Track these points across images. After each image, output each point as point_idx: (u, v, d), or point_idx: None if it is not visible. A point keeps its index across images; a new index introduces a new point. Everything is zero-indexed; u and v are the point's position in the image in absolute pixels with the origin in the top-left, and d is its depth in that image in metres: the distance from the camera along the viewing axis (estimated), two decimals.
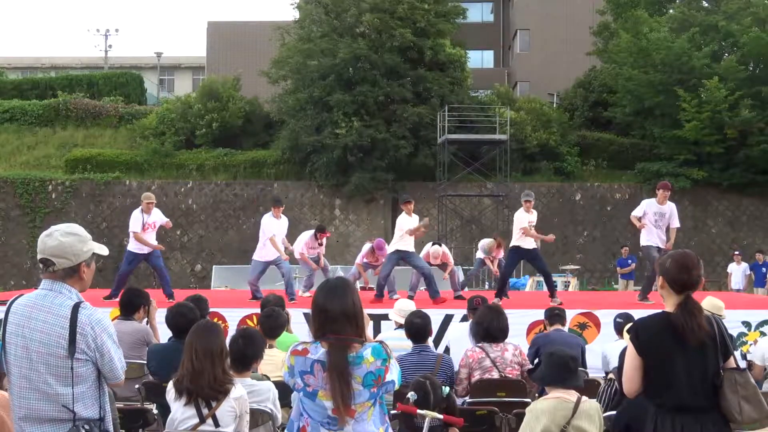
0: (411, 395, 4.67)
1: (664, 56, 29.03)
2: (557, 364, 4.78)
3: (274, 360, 6.12)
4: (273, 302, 7.51)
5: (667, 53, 28.94)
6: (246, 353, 5.06)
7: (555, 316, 7.61)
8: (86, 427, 3.51)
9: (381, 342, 3.52)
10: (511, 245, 12.31)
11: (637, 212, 12.13)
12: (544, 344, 7.14)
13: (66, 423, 3.52)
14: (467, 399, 6.38)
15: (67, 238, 3.57)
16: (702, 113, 27.88)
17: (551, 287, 12.39)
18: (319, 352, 3.42)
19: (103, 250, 3.78)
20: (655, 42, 29.24)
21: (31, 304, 3.56)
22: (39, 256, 3.60)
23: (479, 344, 6.48)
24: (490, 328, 6.45)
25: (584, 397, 4.75)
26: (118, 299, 11.38)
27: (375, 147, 28.50)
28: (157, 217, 12.44)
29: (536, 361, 6.50)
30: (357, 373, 3.39)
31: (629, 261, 22.26)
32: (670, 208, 12.18)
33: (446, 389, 5.04)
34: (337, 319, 3.43)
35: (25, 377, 3.52)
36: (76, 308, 3.52)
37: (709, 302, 7.53)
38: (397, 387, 3.56)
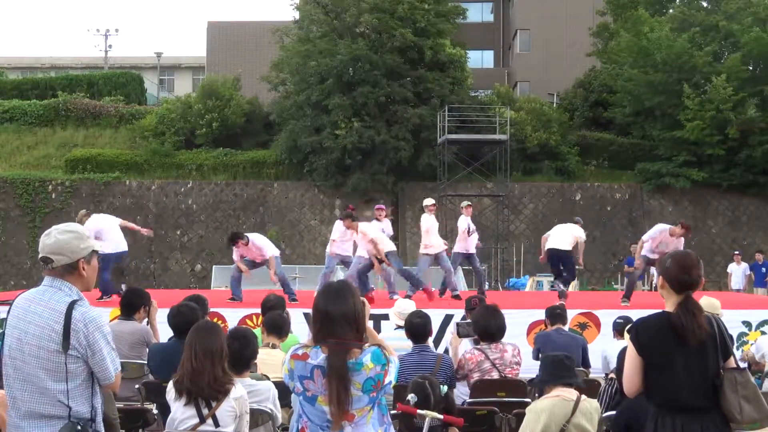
0: (411, 397, 4.67)
1: (665, 55, 29.00)
2: (553, 363, 4.81)
3: (275, 360, 6.11)
4: (273, 302, 7.50)
5: (669, 51, 28.91)
6: (244, 355, 5.06)
7: (556, 315, 7.61)
8: (80, 425, 3.52)
9: (380, 346, 3.50)
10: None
11: (645, 237, 12.57)
12: (544, 343, 7.15)
13: (58, 420, 3.54)
14: (467, 399, 6.39)
15: (64, 235, 3.64)
16: (704, 112, 27.84)
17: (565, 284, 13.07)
18: (319, 357, 3.41)
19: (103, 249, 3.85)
20: (656, 41, 29.22)
21: (30, 298, 3.64)
22: (39, 255, 3.67)
23: (478, 347, 6.47)
24: (488, 327, 6.45)
25: (584, 396, 4.76)
26: (110, 298, 11.45)
27: (374, 150, 28.50)
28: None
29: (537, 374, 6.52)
30: (356, 379, 3.37)
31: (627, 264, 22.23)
32: (678, 242, 12.33)
33: (444, 388, 5.04)
34: (338, 322, 3.42)
35: (19, 369, 3.57)
36: (72, 305, 3.56)
37: (705, 302, 7.53)
38: (393, 384, 3.55)
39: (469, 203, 14.58)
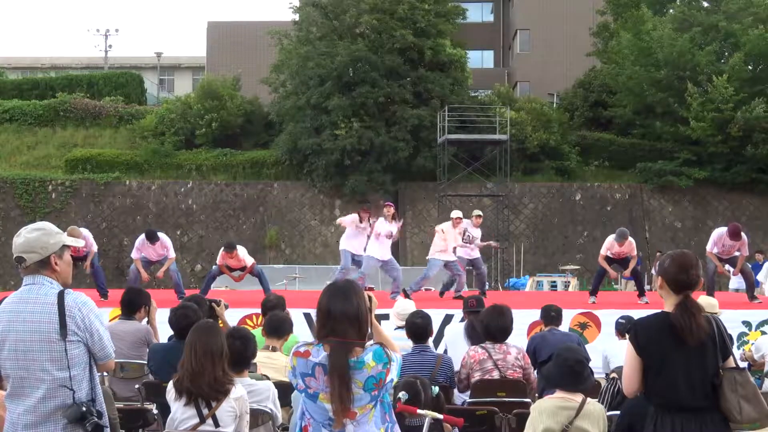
0: (402, 395, 4.67)
1: (667, 54, 28.99)
2: (561, 367, 4.76)
3: (276, 363, 6.11)
4: (273, 302, 7.50)
5: (670, 50, 28.91)
6: (245, 354, 5.07)
7: (550, 317, 7.62)
8: (84, 407, 3.64)
9: (381, 344, 3.52)
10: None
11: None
12: (540, 345, 7.15)
13: (61, 409, 3.64)
14: (467, 399, 6.38)
15: (32, 233, 3.76)
16: (705, 112, 27.83)
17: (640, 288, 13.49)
18: (320, 355, 3.42)
19: (77, 243, 4.03)
20: (658, 40, 29.22)
21: (17, 300, 3.75)
22: (14, 256, 3.78)
23: (482, 345, 6.47)
24: (489, 327, 6.46)
25: (589, 399, 4.73)
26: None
27: (373, 150, 28.52)
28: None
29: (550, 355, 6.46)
30: (358, 377, 3.38)
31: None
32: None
33: (435, 389, 5.04)
34: (339, 321, 3.43)
35: (23, 368, 3.65)
36: (61, 294, 3.70)
37: (704, 301, 7.54)
38: (395, 381, 3.56)
39: (480, 214, 14.19)
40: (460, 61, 31.39)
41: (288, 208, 30.07)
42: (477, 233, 13.79)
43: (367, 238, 13.42)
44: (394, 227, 13.03)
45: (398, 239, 13.90)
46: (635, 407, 4.48)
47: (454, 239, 13.09)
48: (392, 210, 13.19)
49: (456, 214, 13.34)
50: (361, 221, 13.48)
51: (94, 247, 12.33)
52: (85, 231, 12.28)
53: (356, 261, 13.54)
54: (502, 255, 29.11)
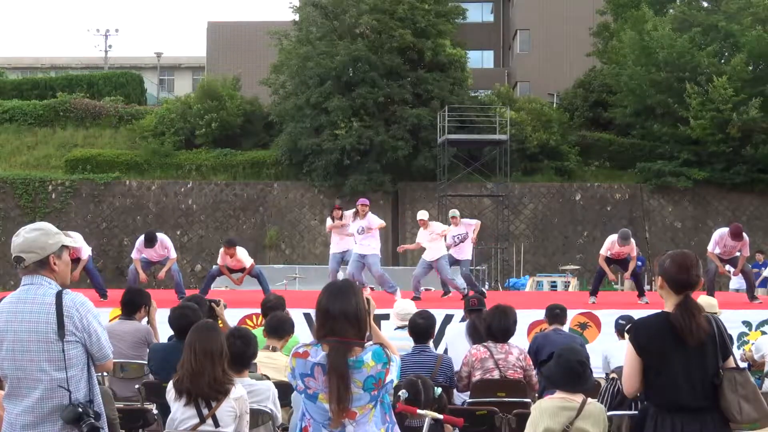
0: (402, 393, 4.67)
1: (667, 54, 29.00)
2: (563, 368, 4.74)
3: (276, 363, 6.11)
4: (273, 302, 7.50)
5: (670, 51, 28.92)
6: (246, 353, 5.07)
7: (555, 316, 7.61)
8: (80, 407, 3.63)
9: (381, 344, 3.51)
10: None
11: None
12: (542, 344, 7.15)
13: (59, 410, 3.64)
14: (467, 399, 6.38)
15: (31, 233, 3.76)
16: (705, 112, 27.84)
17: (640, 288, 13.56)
18: (319, 355, 3.42)
19: (75, 243, 3.97)
20: (658, 40, 29.22)
21: (15, 300, 3.74)
22: (12, 256, 3.78)
23: (485, 344, 6.48)
24: (490, 327, 6.47)
25: (590, 399, 4.72)
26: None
27: (372, 149, 28.53)
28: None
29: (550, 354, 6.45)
30: (357, 377, 3.38)
31: (639, 263, 22.05)
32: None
33: (438, 390, 5.02)
34: (338, 320, 3.43)
35: (20, 369, 3.66)
36: (59, 294, 3.69)
37: (704, 301, 7.54)
38: (395, 383, 3.56)
39: (455, 214, 14.06)
40: (460, 61, 31.39)
41: (288, 208, 30.07)
42: (461, 230, 13.63)
43: (349, 235, 13.53)
44: (365, 221, 12.93)
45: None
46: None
47: (429, 239, 13.01)
48: (365, 208, 13.10)
49: (420, 215, 13.32)
50: (333, 220, 13.58)
51: (85, 255, 11.88)
52: (78, 237, 11.68)
53: (345, 261, 13.69)
54: (502, 255, 29.12)
